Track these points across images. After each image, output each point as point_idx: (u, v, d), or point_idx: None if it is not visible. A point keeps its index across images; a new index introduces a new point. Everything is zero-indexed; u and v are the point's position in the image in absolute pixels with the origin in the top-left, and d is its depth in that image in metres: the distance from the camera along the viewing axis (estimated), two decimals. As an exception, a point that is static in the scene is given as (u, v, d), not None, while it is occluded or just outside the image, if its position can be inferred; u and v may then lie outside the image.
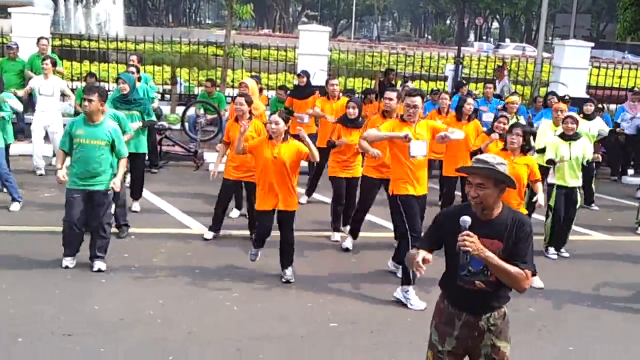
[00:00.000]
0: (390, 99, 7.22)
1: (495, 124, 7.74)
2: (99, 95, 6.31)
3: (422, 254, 3.56)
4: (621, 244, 8.74)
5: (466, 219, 3.42)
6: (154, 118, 8.60)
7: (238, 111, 7.52)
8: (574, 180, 7.91)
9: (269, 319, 5.88)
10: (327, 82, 9.84)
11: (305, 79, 10.79)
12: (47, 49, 12.25)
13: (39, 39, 12.26)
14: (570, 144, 7.85)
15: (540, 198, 6.93)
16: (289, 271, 6.71)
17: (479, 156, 3.60)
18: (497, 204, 3.55)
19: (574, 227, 8.23)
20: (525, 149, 6.93)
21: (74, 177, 6.46)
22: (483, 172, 3.48)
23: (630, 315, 6.56)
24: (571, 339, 5.86)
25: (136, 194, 8.71)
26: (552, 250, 8.09)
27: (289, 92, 11.79)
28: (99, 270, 6.61)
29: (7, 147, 8.52)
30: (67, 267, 6.54)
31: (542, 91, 15.62)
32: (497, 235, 3.50)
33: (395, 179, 6.42)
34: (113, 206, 7.16)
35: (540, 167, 8.32)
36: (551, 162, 7.87)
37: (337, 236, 8.18)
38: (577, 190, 7.99)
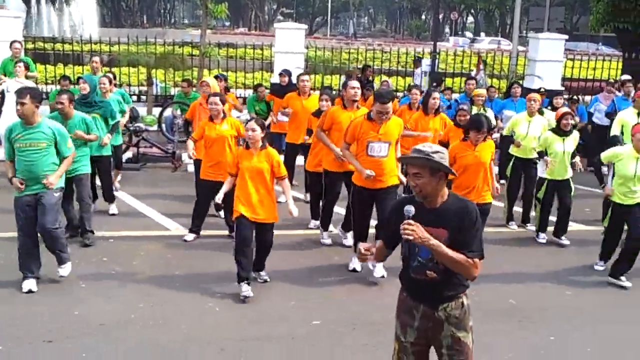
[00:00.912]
0: (354, 88, 7.35)
1: (457, 116, 7.97)
2: (31, 97, 6.07)
3: (363, 245, 3.68)
4: (599, 234, 8.82)
5: (409, 208, 3.44)
6: (118, 118, 8.47)
7: (213, 110, 7.47)
8: (565, 173, 8.14)
9: (251, 319, 5.86)
10: (298, 77, 9.78)
11: (287, 79, 10.81)
12: (20, 52, 12.08)
13: (11, 43, 12.09)
14: (564, 139, 8.01)
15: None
16: (264, 272, 6.70)
17: (416, 146, 3.63)
18: (441, 192, 3.57)
19: (551, 218, 8.39)
20: (485, 135, 7.09)
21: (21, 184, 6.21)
22: (417, 162, 3.51)
23: (611, 304, 6.64)
24: (552, 329, 5.91)
25: (109, 197, 8.63)
26: (542, 235, 8.41)
27: (268, 90, 11.79)
28: (61, 277, 6.45)
29: None
30: (30, 291, 6.13)
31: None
32: (443, 223, 3.53)
33: (355, 172, 6.77)
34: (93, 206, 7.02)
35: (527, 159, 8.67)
36: (541, 154, 8.14)
37: (314, 223, 8.41)
38: (570, 179, 8.22)
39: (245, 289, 6.18)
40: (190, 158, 8.06)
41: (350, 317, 5.97)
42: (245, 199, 6.31)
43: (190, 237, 7.82)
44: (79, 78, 8.47)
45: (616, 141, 8.40)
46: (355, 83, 7.45)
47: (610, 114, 11.50)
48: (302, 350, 5.34)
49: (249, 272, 6.34)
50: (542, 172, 8.28)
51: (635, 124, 7.60)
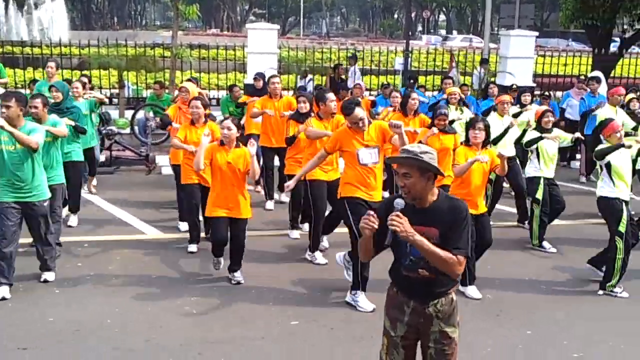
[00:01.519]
0: (332, 101, 7.16)
1: (436, 121, 7.76)
2: (16, 101, 6.05)
3: (372, 212, 3.53)
4: (574, 228, 8.94)
5: (399, 201, 3.46)
6: (86, 127, 8.32)
7: (194, 114, 7.37)
8: (552, 171, 8.07)
9: (229, 321, 5.83)
10: (268, 79, 9.69)
11: (261, 82, 10.77)
12: None
13: None
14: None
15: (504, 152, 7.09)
16: (238, 273, 6.66)
17: (405, 146, 3.65)
18: (430, 192, 3.57)
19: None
20: (487, 141, 6.87)
21: (5, 189, 6.15)
22: (406, 162, 3.51)
23: (588, 297, 6.71)
24: (529, 323, 5.96)
25: (74, 206, 8.35)
26: (546, 244, 8.05)
27: (242, 91, 11.72)
28: (45, 281, 6.45)
29: None
30: (3, 298, 6.02)
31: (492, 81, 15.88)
32: (433, 222, 3.53)
33: (345, 182, 6.25)
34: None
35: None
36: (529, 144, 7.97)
37: (294, 234, 8.23)
38: (554, 179, 8.18)
39: (216, 261, 6.74)
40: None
41: (311, 316, 5.96)
42: (218, 196, 6.43)
43: (194, 248, 7.57)
44: (51, 85, 8.34)
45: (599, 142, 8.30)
46: (332, 95, 7.22)
47: (585, 113, 11.62)
48: (263, 351, 5.31)
49: (222, 254, 6.68)
50: (535, 170, 8.01)
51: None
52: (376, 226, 3.47)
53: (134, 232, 8.26)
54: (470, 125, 6.90)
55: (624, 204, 6.68)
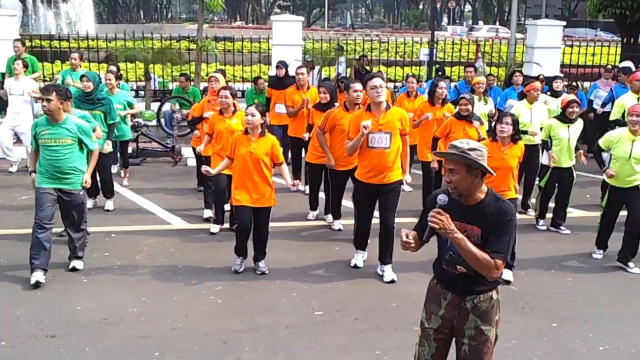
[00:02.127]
0: (356, 90, 7.21)
1: (459, 106, 7.84)
2: (56, 94, 6.17)
3: (406, 231, 3.59)
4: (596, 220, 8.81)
5: (442, 197, 3.45)
6: (117, 119, 8.46)
7: (223, 104, 7.43)
8: (569, 161, 8.10)
9: (253, 310, 5.87)
10: (295, 71, 9.75)
11: (283, 71, 10.76)
12: (21, 51, 12.06)
13: (14, 41, 12.12)
14: (569, 126, 7.97)
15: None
16: (262, 263, 6.70)
17: (454, 142, 3.54)
18: (478, 190, 3.49)
19: (552, 205, 8.40)
20: (516, 138, 6.74)
21: (44, 177, 6.32)
22: (453, 158, 3.45)
23: (613, 290, 6.64)
24: (554, 315, 5.92)
25: (107, 193, 8.66)
26: (541, 221, 8.47)
27: (266, 83, 11.75)
28: (74, 269, 6.56)
29: None
30: (37, 282, 6.15)
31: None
32: (477, 221, 3.47)
33: (359, 165, 6.59)
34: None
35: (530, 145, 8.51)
36: (546, 145, 8.11)
37: (311, 215, 8.48)
38: (572, 168, 8.18)
39: (238, 263, 6.68)
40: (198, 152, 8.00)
41: (335, 306, 5.99)
42: (242, 186, 6.41)
43: (216, 228, 7.85)
44: (82, 75, 8.49)
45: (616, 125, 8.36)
46: (358, 85, 7.24)
47: (605, 104, 11.46)
48: (287, 340, 5.34)
49: (245, 251, 6.69)
50: (545, 160, 8.25)
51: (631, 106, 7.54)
52: (413, 246, 3.57)
53: (160, 222, 8.35)
54: (497, 119, 6.86)
55: None
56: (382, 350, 5.18)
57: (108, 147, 8.17)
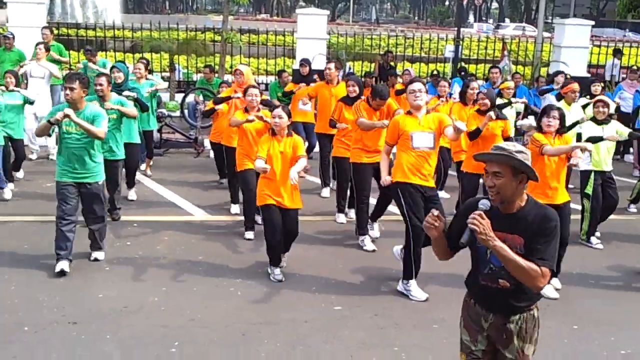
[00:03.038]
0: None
1: (478, 102, 7.70)
2: (80, 83, 6.20)
3: (434, 212, 3.34)
4: (627, 223, 8.72)
5: (485, 202, 3.26)
6: (146, 110, 8.54)
7: (250, 102, 7.27)
8: (608, 164, 7.78)
9: (273, 303, 5.89)
10: (325, 66, 9.79)
11: (307, 68, 10.74)
12: (49, 38, 12.20)
13: (42, 29, 12.28)
14: (603, 127, 7.66)
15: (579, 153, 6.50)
16: (283, 257, 6.64)
17: (499, 144, 3.36)
18: (519, 197, 3.30)
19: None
20: (562, 131, 6.64)
21: (64, 167, 6.34)
22: (499, 160, 3.24)
23: (637, 294, 6.56)
24: (575, 318, 5.86)
25: (130, 184, 8.74)
26: (594, 240, 7.81)
27: (290, 77, 11.76)
28: (96, 260, 6.61)
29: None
30: (62, 271, 6.22)
31: (543, 71, 15.55)
32: (518, 230, 3.26)
33: (397, 167, 6.20)
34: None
35: None
36: (595, 139, 7.43)
37: (341, 218, 8.26)
38: (611, 172, 7.89)
39: (278, 273, 6.40)
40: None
41: (354, 301, 5.99)
42: (270, 186, 6.32)
43: (251, 235, 7.54)
44: (112, 67, 8.60)
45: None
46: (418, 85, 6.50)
47: (638, 107, 11.27)
48: (306, 334, 5.35)
49: (281, 258, 6.51)
50: (587, 164, 7.68)
51: None
52: (438, 225, 3.31)
53: (182, 213, 8.39)
54: (544, 112, 6.75)
55: None
56: (401, 347, 5.17)
57: (127, 94, 7.97)
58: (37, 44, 10.69)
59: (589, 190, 7.72)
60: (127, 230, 7.58)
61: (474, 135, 7.36)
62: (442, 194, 8.99)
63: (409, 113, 6.26)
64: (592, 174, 7.73)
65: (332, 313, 5.75)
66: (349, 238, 7.68)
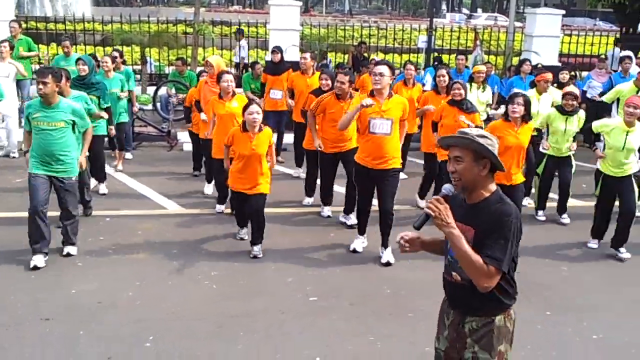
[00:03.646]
0: (343, 83, 7.30)
1: (452, 92, 7.81)
2: (52, 77, 6.13)
3: (404, 234, 3.29)
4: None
5: (448, 186, 3.13)
6: (109, 104, 8.36)
7: (225, 88, 7.38)
8: (566, 151, 8.09)
9: (249, 295, 5.87)
10: (300, 57, 9.81)
11: (279, 55, 10.67)
12: (17, 32, 11.98)
13: (10, 22, 12.04)
14: (567, 118, 7.92)
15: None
16: (257, 247, 6.71)
17: (463, 129, 3.29)
18: (483, 186, 3.13)
19: (553, 196, 8.42)
20: (526, 118, 6.92)
21: (36, 162, 6.27)
22: (459, 143, 3.12)
23: (608, 280, 6.66)
24: (548, 304, 5.93)
25: (100, 177, 8.58)
26: (540, 212, 8.43)
27: (263, 68, 11.69)
28: (68, 255, 6.53)
29: None
30: (35, 267, 6.15)
31: (515, 60, 15.67)
32: (472, 221, 3.11)
33: (359, 150, 6.70)
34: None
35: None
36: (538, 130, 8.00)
37: (308, 200, 8.46)
38: (571, 156, 8.19)
39: (243, 233, 7.09)
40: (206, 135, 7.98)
41: (330, 291, 6.00)
42: (240, 176, 6.61)
43: (221, 207, 8.01)
44: (78, 59, 8.43)
45: (606, 109, 8.22)
46: (342, 77, 7.36)
47: (604, 93, 11.42)
48: (282, 325, 5.35)
49: (246, 222, 7.01)
50: (542, 146, 8.20)
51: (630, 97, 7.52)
52: (409, 249, 3.28)
53: (156, 207, 8.33)
54: (509, 100, 6.96)
55: None
56: (377, 336, 5.19)
57: (112, 132, 8.44)
58: (1, 42, 10.44)
59: (539, 170, 8.23)
60: (100, 225, 7.50)
61: (435, 124, 7.91)
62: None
63: (371, 95, 6.48)
64: (546, 157, 8.14)
65: (308, 304, 5.75)
66: (324, 228, 7.68)
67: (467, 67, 12.35)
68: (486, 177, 3.14)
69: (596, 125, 7.33)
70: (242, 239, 7.08)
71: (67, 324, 5.20)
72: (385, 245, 6.75)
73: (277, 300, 5.79)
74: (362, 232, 6.99)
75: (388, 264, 6.63)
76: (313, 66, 9.65)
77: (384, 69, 6.42)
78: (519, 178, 7.07)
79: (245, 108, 6.56)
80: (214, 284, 6.09)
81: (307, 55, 9.52)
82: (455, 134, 3.21)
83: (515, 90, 10.27)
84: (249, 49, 15.30)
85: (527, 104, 6.84)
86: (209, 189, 8.74)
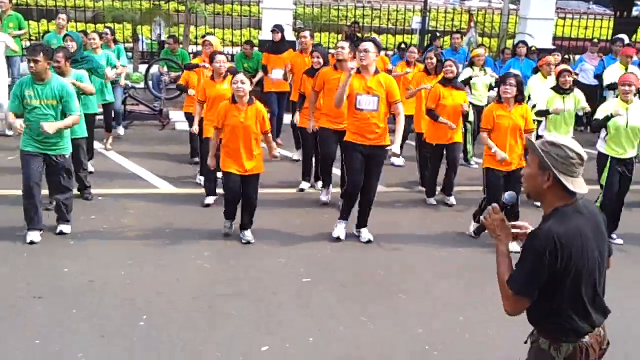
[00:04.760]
0: (343, 47, 7.27)
1: (444, 70, 7.84)
2: (43, 54, 6.05)
3: (494, 206, 3.01)
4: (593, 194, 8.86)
5: (509, 194, 3.04)
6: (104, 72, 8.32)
7: (218, 69, 7.34)
8: (566, 132, 7.94)
9: (240, 276, 5.87)
10: (298, 34, 9.68)
11: (279, 35, 10.49)
12: (7, 7, 11.83)
13: None
14: (564, 97, 7.86)
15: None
16: (248, 232, 6.61)
17: (546, 138, 2.97)
18: (547, 199, 2.88)
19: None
20: (519, 98, 6.84)
21: (29, 139, 6.22)
22: (529, 145, 2.99)
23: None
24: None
25: (88, 154, 8.44)
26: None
27: (255, 48, 11.61)
28: (61, 233, 6.51)
29: None
30: (32, 242, 6.21)
31: (509, 43, 15.63)
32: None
33: (347, 128, 6.67)
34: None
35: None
36: (542, 113, 7.91)
37: (304, 185, 8.34)
38: None
39: (228, 225, 6.70)
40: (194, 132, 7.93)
41: (321, 273, 6.02)
42: (232, 154, 6.37)
43: (211, 199, 7.62)
44: (65, 35, 8.33)
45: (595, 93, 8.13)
46: (341, 42, 7.38)
47: (599, 76, 11.45)
48: (274, 305, 5.36)
49: (234, 215, 6.70)
50: (542, 130, 8.07)
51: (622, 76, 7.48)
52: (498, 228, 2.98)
53: (148, 186, 8.29)
54: (501, 80, 6.92)
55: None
56: (368, 317, 5.21)
57: (111, 73, 8.43)
58: None
59: None
60: (92, 204, 7.47)
61: (432, 115, 7.84)
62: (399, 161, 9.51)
63: (358, 72, 6.46)
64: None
65: (300, 284, 5.77)
66: (317, 210, 7.68)
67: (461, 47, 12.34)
68: (550, 191, 2.86)
69: (598, 115, 7.27)
70: (227, 234, 6.69)
71: (59, 303, 5.19)
72: (364, 224, 6.80)
73: (270, 280, 5.80)
74: (347, 216, 6.85)
75: (369, 241, 6.70)
76: (312, 44, 9.47)
77: (369, 45, 6.43)
78: (520, 163, 6.79)
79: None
80: (206, 263, 6.09)
81: (307, 33, 9.37)
82: (536, 140, 3.03)
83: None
84: (165, 26, 15.05)
85: (519, 84, 6.78)
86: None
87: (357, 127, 6.50)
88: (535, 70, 9.44)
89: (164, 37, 14.68)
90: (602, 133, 7.23)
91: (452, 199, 8.04)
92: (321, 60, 7.94)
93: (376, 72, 6.53)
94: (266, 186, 7.43)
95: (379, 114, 6.47)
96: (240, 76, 6.30)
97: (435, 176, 8.06)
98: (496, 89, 8.75)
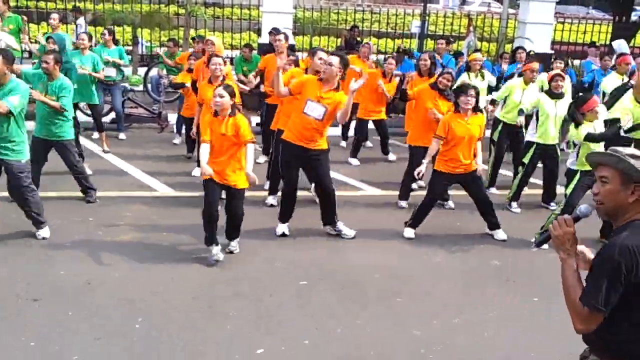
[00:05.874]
0: (331, 64, 6.65)
1: (439, 79, 7.81)
2: (3, 58, 5.96)
3: (565, 218, 2.82)
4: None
5: (584, 207, 2.82)
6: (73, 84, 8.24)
7: (214, 71, 7.27)
8: (554, 138, 7.98)
9: (238, 278, 5.87)
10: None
11: (276, 37, 10.43)
12: (5, 9, 11.83)
13: None
14: (555, 102, 7.86)
15: (479, 160, 7.09)
16: (234, 242, 6.45)
17: (614, 147, 2.82)
18: (628, 212, 2.69)
19: (533, 181, 8.46)
20: (477, 108, 7.02)
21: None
22: (608, 160, 2.72)
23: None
24: (537, 291, 5.96)
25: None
26: (514, 204, 8.27)
27: (254, 51, 11.58)
28: (44, 239, 6.42)
29: None
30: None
31: (508, 47, 15.66)
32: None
33: (288, 126, 6.72)
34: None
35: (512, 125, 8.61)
36: (634, 128, 7.39)
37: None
38: (556, 146, 8.11)
39: (216, 251, 6.15)
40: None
41: (319, 275, 6.02)
42: (214, 164, 6.07)
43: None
44: (48, 37, 8.34)
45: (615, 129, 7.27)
46: (321, 53, 7.05)
47: (590, 85, 11.35)
48: (272, 307, 5.36)
49: (215, 234, 6.20)
50: (531, 135, 8.05)
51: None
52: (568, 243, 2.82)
53: (145, 188, 8.30)
54: (461, 91, 6.95)
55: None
56: (366, 320, 5.21)
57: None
58: None
59: (526, 160, 8.09)
60: (89, 206, 7.47)
61: (403, 97, 8.12)
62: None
63: (320, 79, 6.51)
64: (534, 145, 8.00)
65: (298, 287, 5.77)
66: (312, 213, 7.66)
67: (450, 52, 12.43)
68: (632, 206, 2.70)
69: (607, 117, 7.25)
70: (217, 260, 6.12)
71: (56, 305, 5.19)
72: (332, 222, 6.88)
73: (267, 283, 5.80)
74: (287, 218, 6.89)
75: (345, 235, 6.86)
76: (287, 48, 9.34)
77: (334, 59, 6.46)
78: (472, 165, 7.03)
79: None
80: (203, 265, 6.08)
81: (282, 36, 9.24)
82: (604, 151, 2.85)
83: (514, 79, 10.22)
84: (86, 28, 15.00)
85: (477, 95, 6.96)
86: (198, 171, 8.65)
87: (298, 129, 6.54)
88: (519, 74, 9.34)
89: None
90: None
91: (450, 203, 8.06)
92: (292, 65, 7.94)
93: (337, 88, 6.50)
94: (258, 189, 7.43)
95: (321, 124, 6.51)
96: (220, 90, 6.03)
97: (411, 179, 7.76)
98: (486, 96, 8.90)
